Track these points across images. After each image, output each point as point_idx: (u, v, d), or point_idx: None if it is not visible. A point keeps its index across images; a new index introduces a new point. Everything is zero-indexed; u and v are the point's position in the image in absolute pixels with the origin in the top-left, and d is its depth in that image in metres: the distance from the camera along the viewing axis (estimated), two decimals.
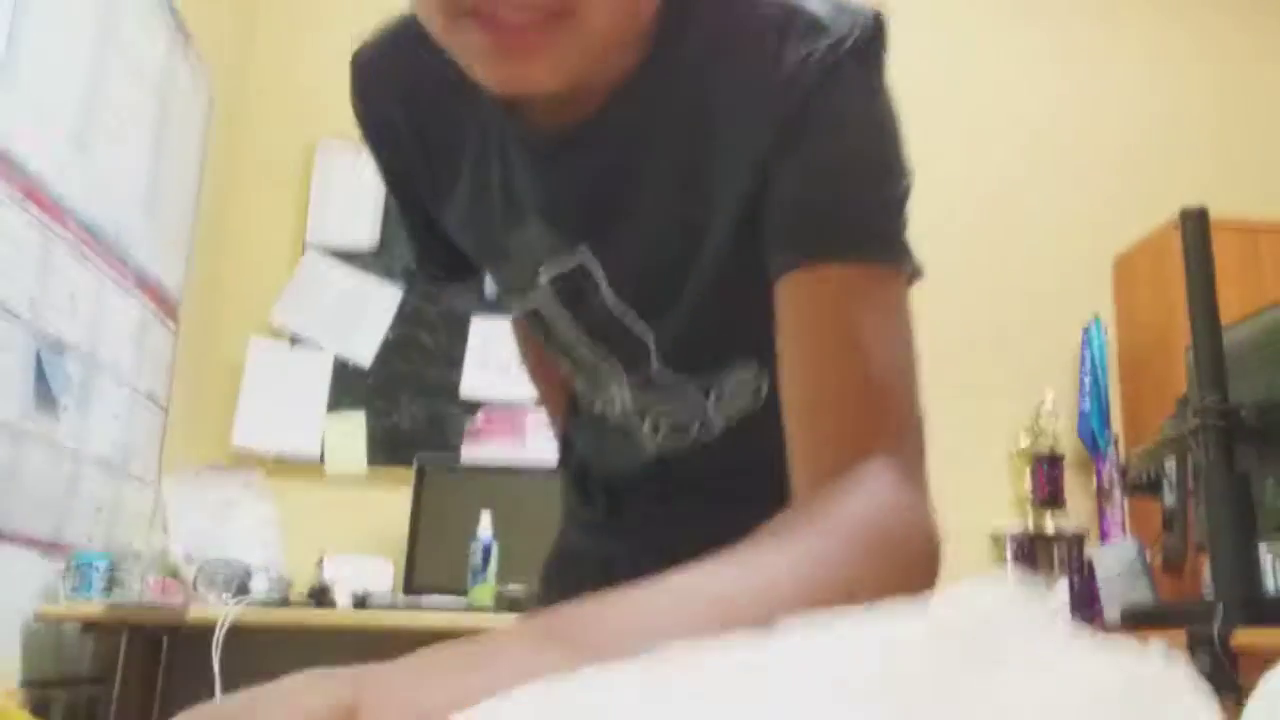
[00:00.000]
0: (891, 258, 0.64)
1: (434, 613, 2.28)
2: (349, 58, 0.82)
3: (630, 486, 0.88)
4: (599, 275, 0.72)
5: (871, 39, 0.64)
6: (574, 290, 0.73)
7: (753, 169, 0.64)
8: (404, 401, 2.89)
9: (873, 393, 0.60)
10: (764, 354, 0.68)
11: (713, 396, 0.77)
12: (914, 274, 0.67)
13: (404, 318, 2.96)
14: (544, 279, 0.74)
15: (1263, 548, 1.62)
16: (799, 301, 0.61)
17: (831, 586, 0.50)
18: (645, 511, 0.87)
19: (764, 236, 0.64)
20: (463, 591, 2.38)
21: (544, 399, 1.07)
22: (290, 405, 2.83)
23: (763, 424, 0.68)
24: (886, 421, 0.60)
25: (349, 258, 2.97)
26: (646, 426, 0.80)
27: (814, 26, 0.63)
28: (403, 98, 0.77)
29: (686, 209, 0.69)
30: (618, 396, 0.80)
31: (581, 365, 0.80)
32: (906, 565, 0.60)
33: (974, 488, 3.05)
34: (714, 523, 0.59)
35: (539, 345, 0.88)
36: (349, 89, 0.82)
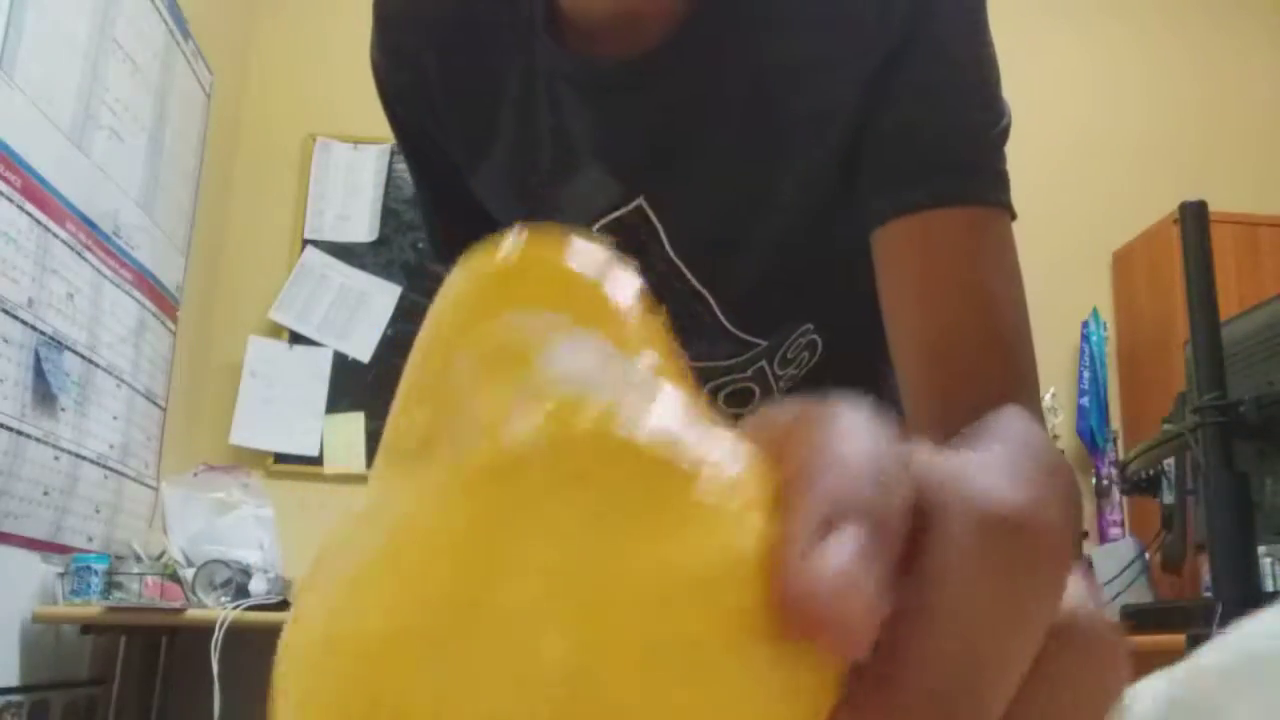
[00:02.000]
0: (1006, 198, 0.62)
1: None
2: (368, 24, 0.73)
3: None
4: (659, 225, 0.65)
5: None
6: (633, 242, 0.65)
7: (844, 111, 0.59)
8: None
9: (1005, 341, 0.56)
10: (820, 314, 0.66)
11: (775, 361, 0.70)
12: (1013, 213, 0.62)
13: (403, 314, 2.95)
14: (598, 230, 0.66)
15: (1263, 550, 1.62)
16: (922, 244, 0.57)
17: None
18: None
19: (867, 176, 0.59)
20: None
21: None
22: (289, 405, 2.83)
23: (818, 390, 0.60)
24: (1021, 372, 0.55)
25: (348, 255, 2.96)
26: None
27: None
28: (436, 45, 0.69)
29: (756, 156, 0.62)
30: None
31: None
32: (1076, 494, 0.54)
33: None
34: None
35: None
36: (370, 44, 0.74)
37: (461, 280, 0.20)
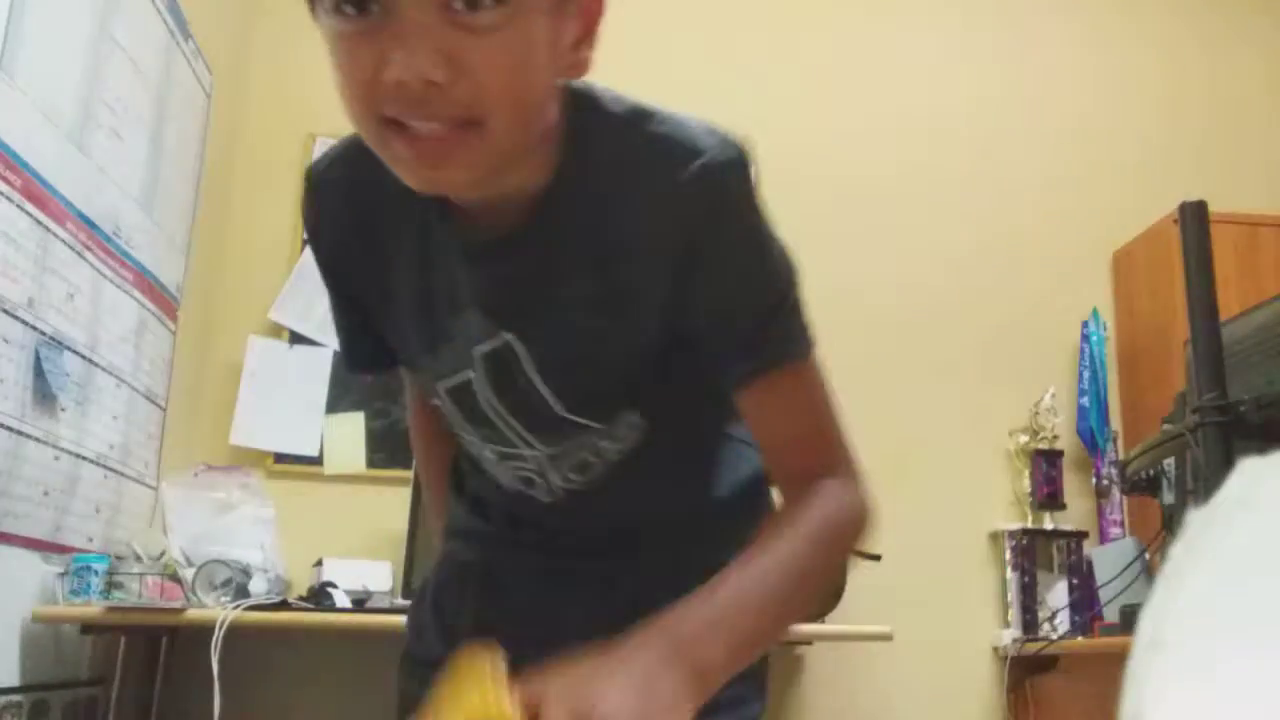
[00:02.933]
0: (805, 347, 0.88)
1: None
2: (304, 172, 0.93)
3: (531, 518, 0.99)
4: (521, 354, 0.86)
5: (741, 156, 0.82)
6: (503, 365, 0.86)
7: (662, 283, 0.82)
8: (403, 400, 2.88)
9: (824, 436, 0.89)
10: (646, 408, 0.89)
11: (606, 438, 0.91)
12: (811, 349, 0.89)
13: None
14: (475, 354, 0.87)
15: None
16: (765, 397, 0.86)
17: (810, 573, 0.85)
18: (542, 532, 0.99)
19: (711, 349, 0.86)
20: None
21: (424, 463, 1.21)
22: (289, 405, 2.83)
23: (639, 468, 0.91)
24: (834, 451, 0.89)
25: None
26: (553, 475, 0.93)
27: (694, 148, 0.79)
28: (352, 203, 0.89)
29: (597, 307, 0.83)
30: (529, 456, 0.92)
31: (492, 433, 0.92)
32: (850, 539, 0.91)
33: (972, 486, 3.05)
34: (600, 543, 0.95)
35: (429, 418, 1.08)
36: (301, 200, 0.94)
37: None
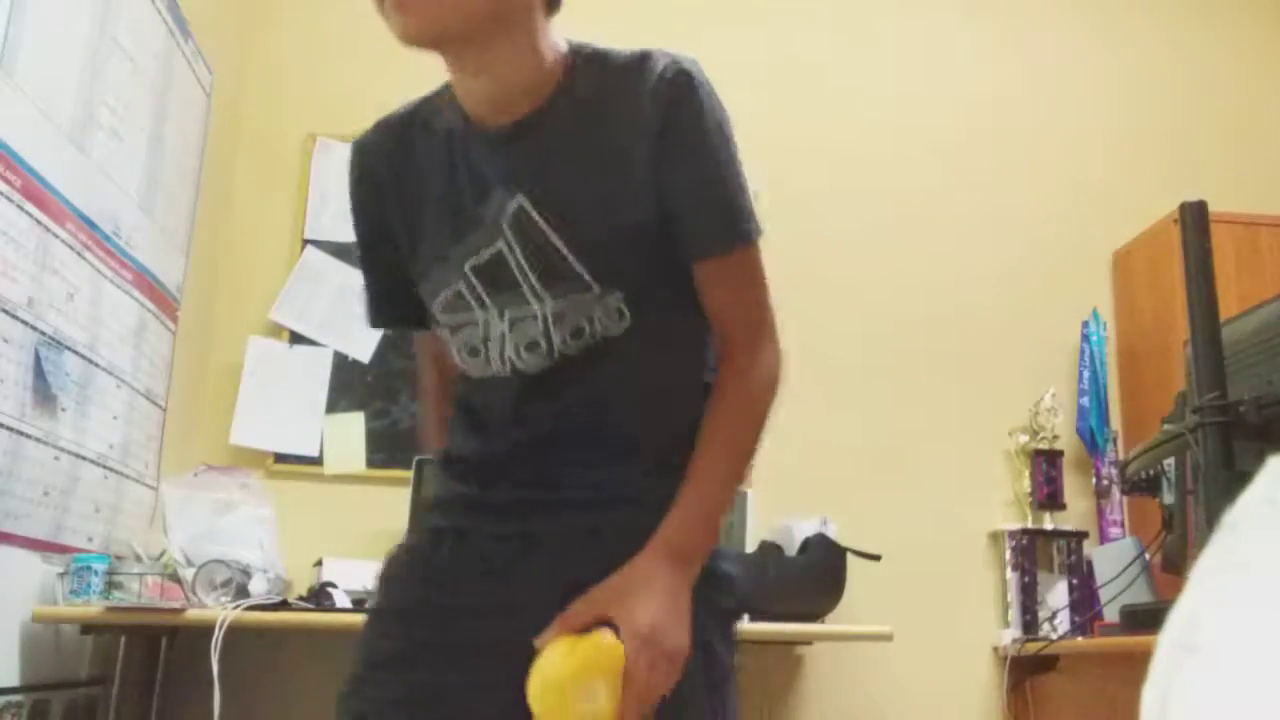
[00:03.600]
0: (753, 226, 1.08)
1: None
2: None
3: (500, 466, 1.12)
4: (537, 217, 1.04)
5: (698, 67, 1.05)
6: (520, 222, 1.05)
7: (643, 157, 1.04)
8: (403, 400, 2.88)
9: (763, 307, 1.11)
10: (632, 288, 1.06)
11: (599, 309, 1.06)
12: (758, 232, 1.09)
13: None
14: (504, 223, 1.05)
15: None
16: (722, 274, 1.08)
17: (753, 439, 1.11)
18: (514, 494, 1.11)
19: (678, 227, 1.06)
20: None
21: (430, 413, 1.29)
22: (289, 405, 2.83)
23: (620, 360, 1.07)
24: (768, 319, 1.12)
25: (348, 255, 2.96)
26: (555, 334, 1.07)
27: (665, 55, 1.05)
28: (388, 155, 1.14)
29: (593, 179, 1.05)
30: (539, 314, 1.07)
31: (512, 297, 1.07)
32: (774, 394, 1.11)
33: (972, 485, 3.05)
34: (562, 507, 1.09)
35: (442, 365, 1.22)
36: (348, 172, 1.18)
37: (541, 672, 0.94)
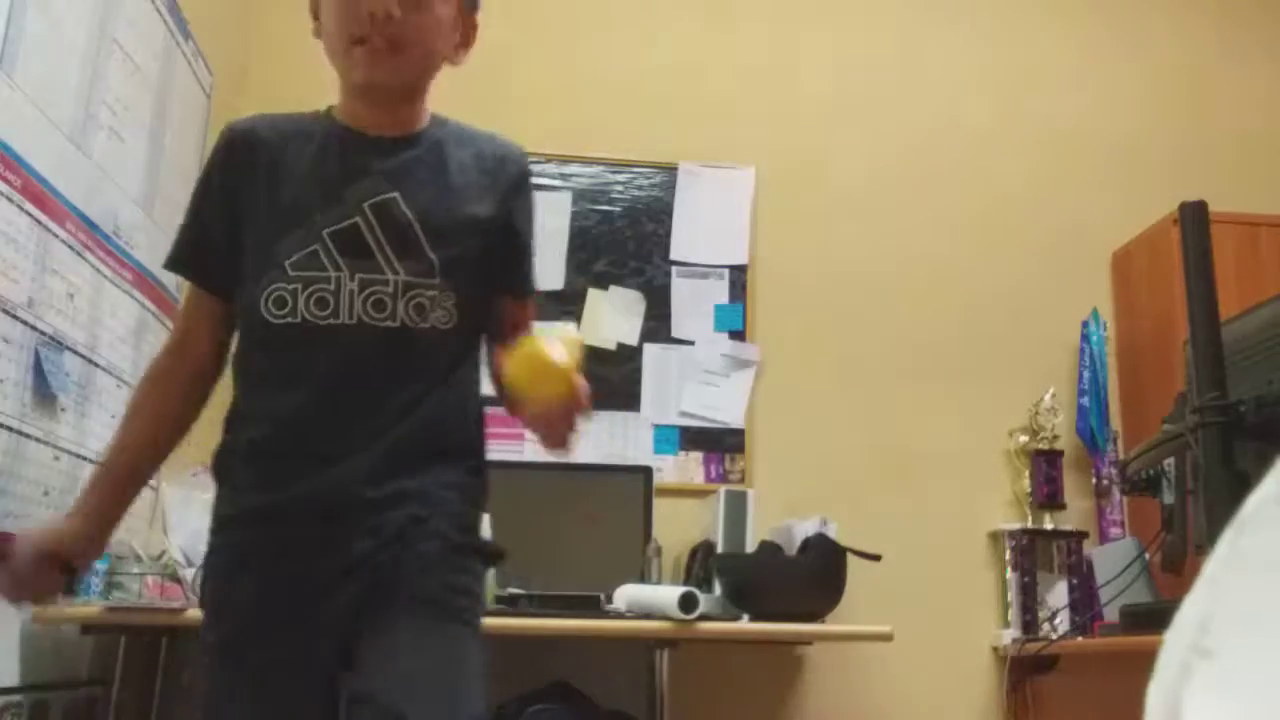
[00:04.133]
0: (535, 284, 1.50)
1: None
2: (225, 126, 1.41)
3: (300, 449, 1.27)
4: (405, 208, 1.31)
5: (527, 159, 1.44)
6: (384, 209, 1.30)
7: (496, 198, 1.38)
8: None
9: (532, 319, 1.45)
10: (460, 290, 1.31)
11: (438, 295, 1.30)
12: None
13: None
14: (365, 205, 1.30)
15: None
16: (519, 312, 1.43)
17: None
18: (308, 478, 1.25)
19: (505, 264, 1.40)
20: None
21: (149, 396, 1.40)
22: None
23: (436, 360, 1.31)
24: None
25: None
26: (400, 304, 1.27)
27: (506, 140, 1.43)
28: (263, 138, 1.35)
29: (460, 188, 1.35)
30: (390, 280, 1.28)
31: (366, 264, 1.28)
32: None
33: (972, 485, 3.05)
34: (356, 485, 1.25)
35: (191, 349, 1.38)
36: (218, 140, 1.37)
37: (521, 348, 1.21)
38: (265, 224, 1.30)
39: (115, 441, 1.36)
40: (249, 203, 1.32)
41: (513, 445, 2.88)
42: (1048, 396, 3.02)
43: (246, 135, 1.35)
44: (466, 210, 1.34)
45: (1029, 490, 2.98)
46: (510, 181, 1.38)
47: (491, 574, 2.39)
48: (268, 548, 1.25)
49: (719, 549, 2.63)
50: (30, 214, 1.86)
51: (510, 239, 1.38)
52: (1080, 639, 2.60)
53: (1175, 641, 0.39)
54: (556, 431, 1.24)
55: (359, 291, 1.26)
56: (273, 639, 1.23)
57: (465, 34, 1.39)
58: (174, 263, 1.37)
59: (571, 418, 1.22)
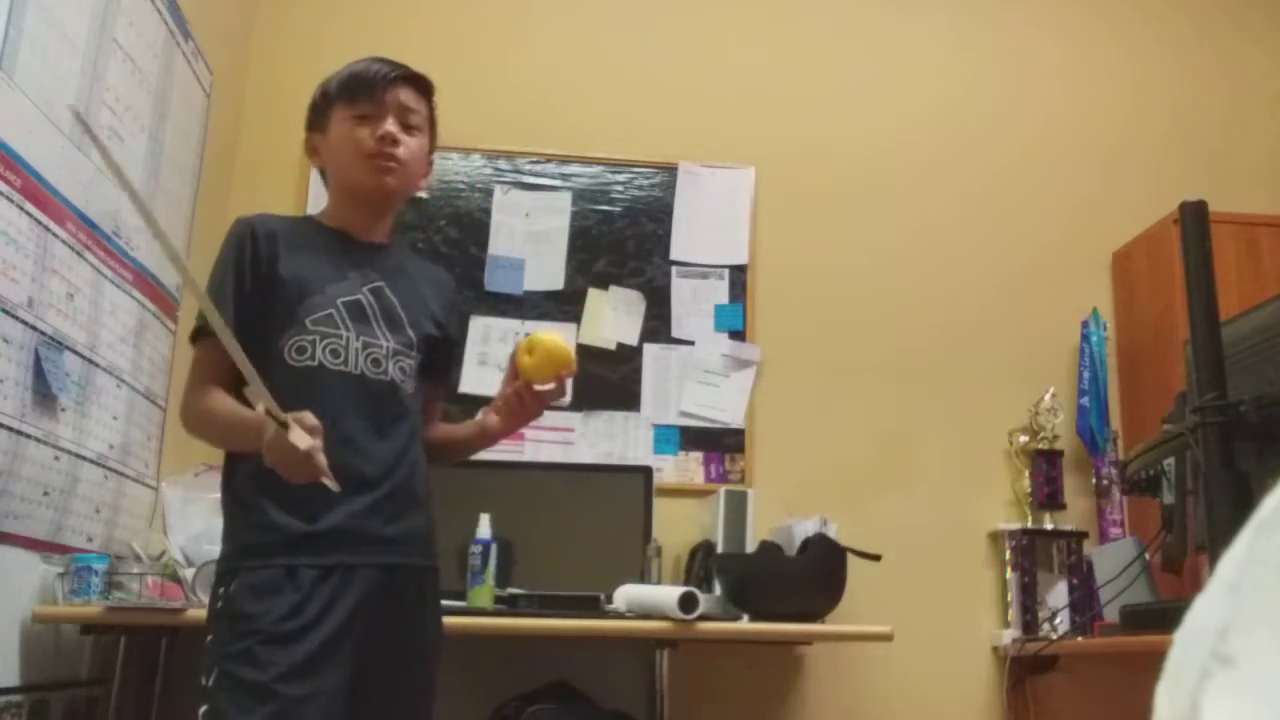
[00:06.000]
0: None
1: None
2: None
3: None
4: (389, 291, 1.69)
5: None
6: (379, 292, 1.68)
7: (442, 304, 1.79)
8: None
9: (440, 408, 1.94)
10: (421, 372, 1.72)
11: (410, 361, 1.70)
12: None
13: None
14: (364, 287, 1.67)
15: None
16: (436, 402, 1.86)
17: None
18: (341, 523, 1.58)
19: (439, 361, 1.78)
20: (462, 593, 2.38)
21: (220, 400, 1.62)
22: None
23: (411, 416, 1.69)
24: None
25: None
26: (391, 363, 1.65)
27: (438, 266, 1.99)
28: (277, 228, 1.68)
29: (422, 289, 1.76)
30: (382, 345, 1.66)
31: (365, 328, 1.64)
32: None
33: (972, 485, 3.05)
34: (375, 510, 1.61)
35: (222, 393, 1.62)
36: (239, 231, 1.68)
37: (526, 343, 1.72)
38: (292, 286, 1.62)
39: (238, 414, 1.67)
40: (276, 273, 1.62)
41: (513, 445, 2.88)
42: (1048, 396, 3.02)
43: (257, 224, 1.66)
44: (429, 306, 1.74)
45: (1029, 490, 2.98)
46: (451, 300, 1.84)
47: (491, 574, 2.40)
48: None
49: (719, 549, 2.63)
50: (30, 214, 1.86)
51: (449, 345, 1.81)
52: (1080, 639, 2.60)
53: (1192, 646, 0.38)
54: (556, 393, 1.72)
55: (361, 349, 1.63)
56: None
57: (428, 167, 1.77)
58: (225, 325, 1.49)
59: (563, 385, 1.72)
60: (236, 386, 1.56)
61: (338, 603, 1.52)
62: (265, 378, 1.43)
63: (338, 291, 1.63)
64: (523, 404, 1.69)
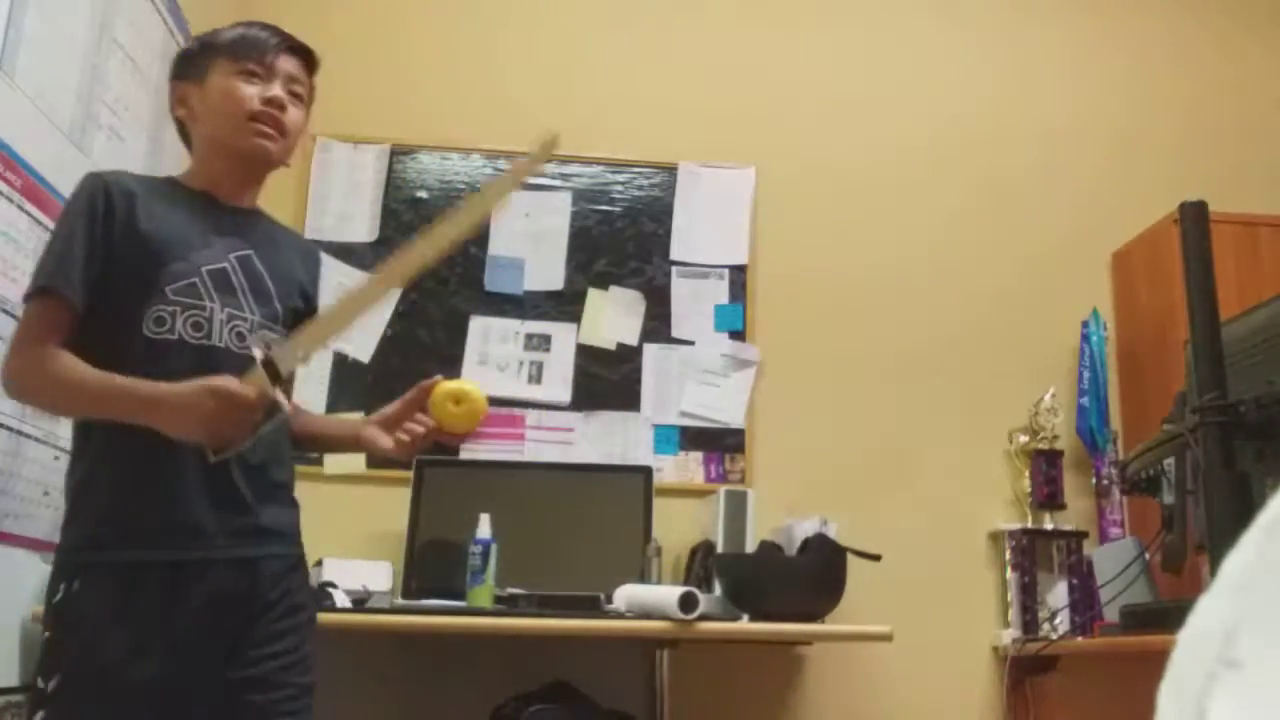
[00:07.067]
0: None
1: (433, 615, 2.28)
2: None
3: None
4: (257, 259, 1.64)
5: None
6: (246, 261, 1.62)
7: (303, 274, 1.76)
8: None
9: None
10: (285, 326, 1.66)
11: (274, 334, 1.63)
12: None
13: (402, 315, 2.96)
14: (231, 255, 1.60)
15: None
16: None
17: None
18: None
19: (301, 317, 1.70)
20: (461, 593, 2.38)
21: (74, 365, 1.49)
22: None
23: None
24: None
25: (348, 255, 2.97)
26: (254, 337, 1.58)
27: (302, 237, 2.15)
28: (135, 187, 1.56)
29: (286, 257, 1.72)
30: (248, 317, 1.59)
31: (231, 299, 1.58)
32: None
33: (972, 485, 3.05)
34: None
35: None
36: (93, 187, 1.54)
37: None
38: (149, 251, 1.52)
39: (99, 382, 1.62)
40: (134, 234, 1.52)
41: (513, 445, 2.88)
42: (1048, 396, 3.01)
43: (113, 182, 1.54)
44: (297, 277, 1.71)
45: (1029, 490, 2.98)
46: (318, 274, 1.80)
47: (491, 574, 2.40)
48: None
49: (719, 549, 2.63)
50: (30, 214, 1.86)
51: (309, 315, 1.72)
52: (1080, 639, 2.60)
53: (1197, 649, 0.37)
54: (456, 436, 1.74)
55: (226, 321, 1.56)
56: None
57: (302, 141, 1.75)
58: (65, 283, 1.49)
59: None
60: (75, 350, 1.47)
61: (190, 605, 1.47)
62: (117, 349, 1.44)
63: (202, 259, 1.55)
64: (426, 444, 1.70)
